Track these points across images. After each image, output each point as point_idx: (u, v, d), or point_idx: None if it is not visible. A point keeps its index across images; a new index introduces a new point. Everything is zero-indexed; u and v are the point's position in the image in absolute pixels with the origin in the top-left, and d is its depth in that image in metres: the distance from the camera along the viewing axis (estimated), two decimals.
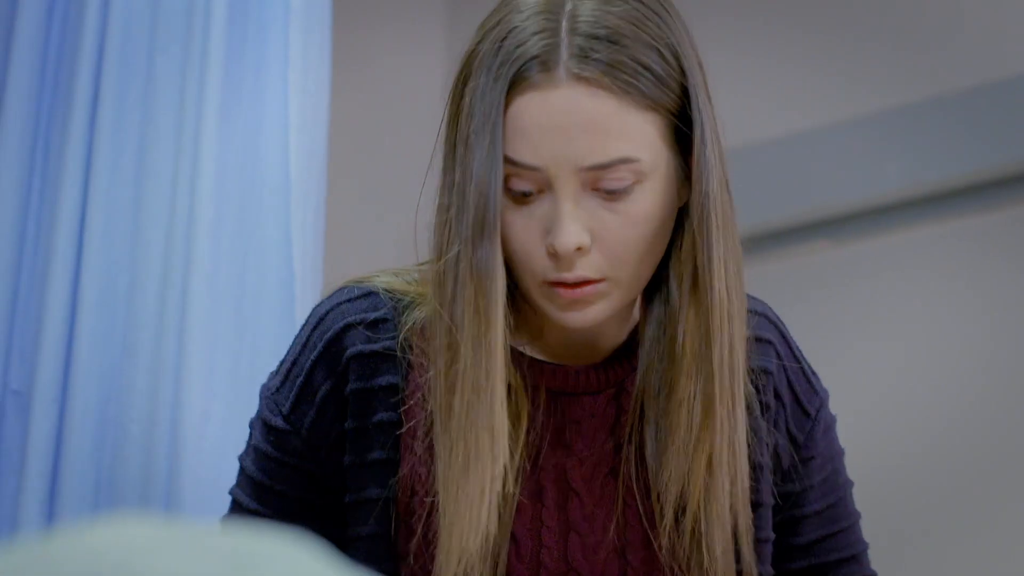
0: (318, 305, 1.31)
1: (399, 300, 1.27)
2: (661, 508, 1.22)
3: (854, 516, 1.39)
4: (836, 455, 1.37)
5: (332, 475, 1.27)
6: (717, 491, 1.21)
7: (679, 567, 1.23)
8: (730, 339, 1.19)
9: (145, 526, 0.66)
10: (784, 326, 1.36)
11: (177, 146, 2.12)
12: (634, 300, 1.26)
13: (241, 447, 1.35)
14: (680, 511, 1.21)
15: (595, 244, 1.16)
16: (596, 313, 1.19)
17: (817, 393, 1.36)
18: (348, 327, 1.27)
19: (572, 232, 1.14)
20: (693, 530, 1.22)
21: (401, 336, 1.26)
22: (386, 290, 1.28)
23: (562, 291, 1.17)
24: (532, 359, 1.26)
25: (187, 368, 2.03)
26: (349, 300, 1.28)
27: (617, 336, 1.28)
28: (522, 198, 1.17)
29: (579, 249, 1.15)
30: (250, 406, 1.37)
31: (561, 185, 1.15)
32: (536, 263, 1.18)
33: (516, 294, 1.23)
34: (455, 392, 1.18)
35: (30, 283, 2.14)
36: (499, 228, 1.16)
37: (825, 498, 1.35)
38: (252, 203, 2.14)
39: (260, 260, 2.09)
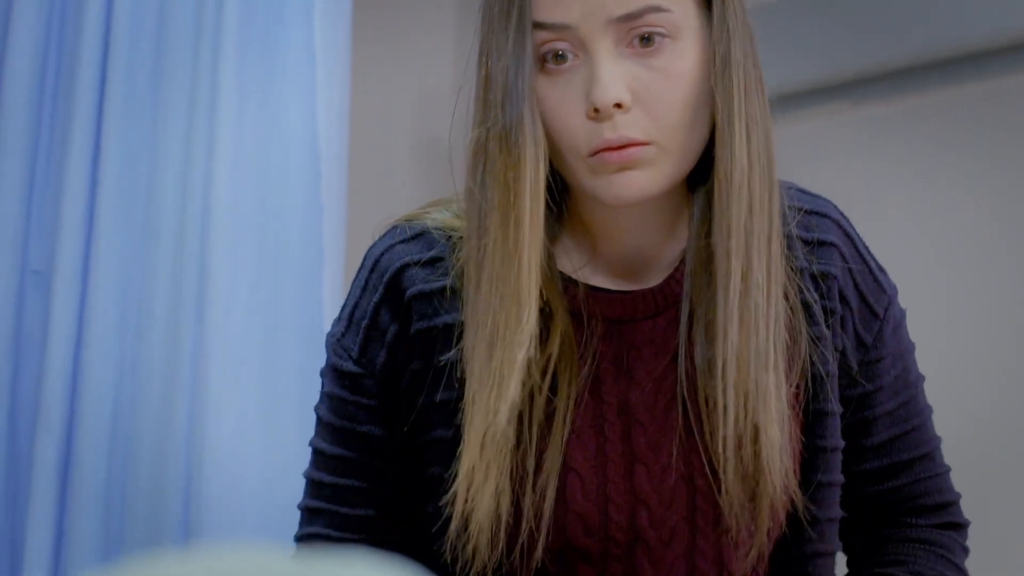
0: (372, 247, 1.29)
1: (451, 236, 1.25)
2: (715, 413, 1.19)
3: (926, 412, 1.36)
4: (906, 351, 1.34)
5: (409, 414, 1.26)
6: (753, 368, 1.17)
7: (725, 478, 1.19)
8: (749, 205, 1.16)
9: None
10: (849, 224, 1.32)
11: (190, 133, 2.09)
12: (684, 203, 1.23)
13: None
14: (739, 417, 1.17)
15: (636, 104, 1.14)
16: (643, 182, 1.14)
17: (885, 291, 1.32)
18: (405, 267, 1.25)
19: (611, 85, 1.12)
20: (751, 437, 1.18)
21: (456, 273, 1.24)
22: (438, 228, 1.26)
23: (608, 155, 1.14)
24: (588, 288, 1.23)
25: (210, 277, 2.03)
26: (403, 241, 1.27)
27: (669, 250, 1.25)
28: (557, 70, 1.15)
29: (620, 106, 1.13)
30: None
31: (594, 42, 1.13)
32: (579, 134, 1.15)
33: (567, 209, 1.21)
34: (484, 268, 1.17)
35: (46, 169, 2.12)
36: (528, 97, 1.14)
37: (896, 397, 1.33)
38: (276, 190, 2.11)
39: (283, 238, 2.09)
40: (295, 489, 1.41)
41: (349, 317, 1.29)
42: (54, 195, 2.11)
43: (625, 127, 1.13)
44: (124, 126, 2.10)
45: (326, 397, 1.30)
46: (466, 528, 1.18)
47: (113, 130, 2.09)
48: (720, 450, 1.19)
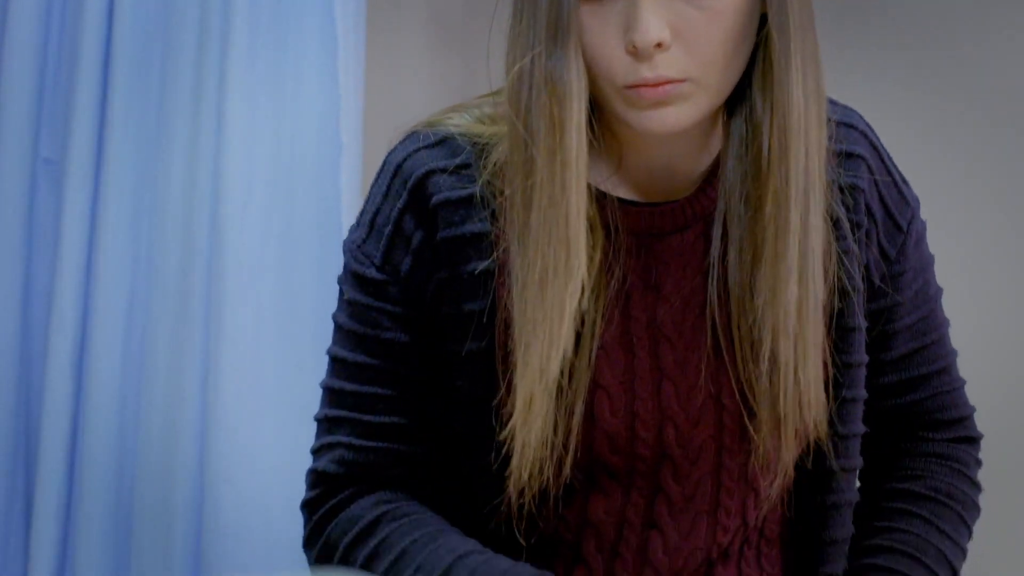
0: (391, 153, 1.25)
1: (476, 142, 1.22)
2: (752, 342, 1.18)
3: (944, 326, 1.35)
4: (927, 265, 1.33)
5: (434, 323, 1.23)
6: (807, 310, 1.16)
7: (759, 401, 1.19)
8: (806, 147, 1.14)
9: None
10: (875, 135, 1.30)
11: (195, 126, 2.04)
12: (716, 118, 1.20)
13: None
14: (773, 341, 1.17)
15: (676, 41, 1.11)
16: (678, 117, 1.12)
17: (908, 204, 1.30)
18: (430, 173, 1.22)
19: (651, 25, 1.09)
20: (786, 361, 1.17)
21: (484, 180, 1.21)
22: (462, 134, 1.23)
23: (644, 91, 1.11)
24: (615, 200, 1.20)
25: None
26: (426, 147, 1.23)
27: (698, 164, 1.22)
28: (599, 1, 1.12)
29: (659, 45, 1.09)
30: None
31: None
32: (616, 67, 1.11)
33: (595, 119, 1.17)
34: (531, 208, 1.14)
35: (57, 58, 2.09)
36: (574, 32, 1.11)
37: (916, 311, 1.32)
38: (292, 177, 2.08)
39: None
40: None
41: (370, 223, 1.25)
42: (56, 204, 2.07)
43: (664, 66, 1.10)
44: (130, 108, 2.05)
45: (346, 304, 1.26)
46: (507, 456, 1.17)
47: (119, 112, 2.04)
48: (754, 381, 1.18)
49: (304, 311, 2.03)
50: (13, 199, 2.04)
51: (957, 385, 1.37)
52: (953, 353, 1.36)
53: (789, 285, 1.16)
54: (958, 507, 1.33)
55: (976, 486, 1.36)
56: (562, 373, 1.16)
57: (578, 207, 1.13)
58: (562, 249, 1.13)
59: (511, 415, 1.16)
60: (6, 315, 2.03)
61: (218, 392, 2.01)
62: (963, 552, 1.32)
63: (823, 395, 1.21)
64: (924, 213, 1.35)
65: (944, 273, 1.38)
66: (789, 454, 1.21)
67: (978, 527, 1.36)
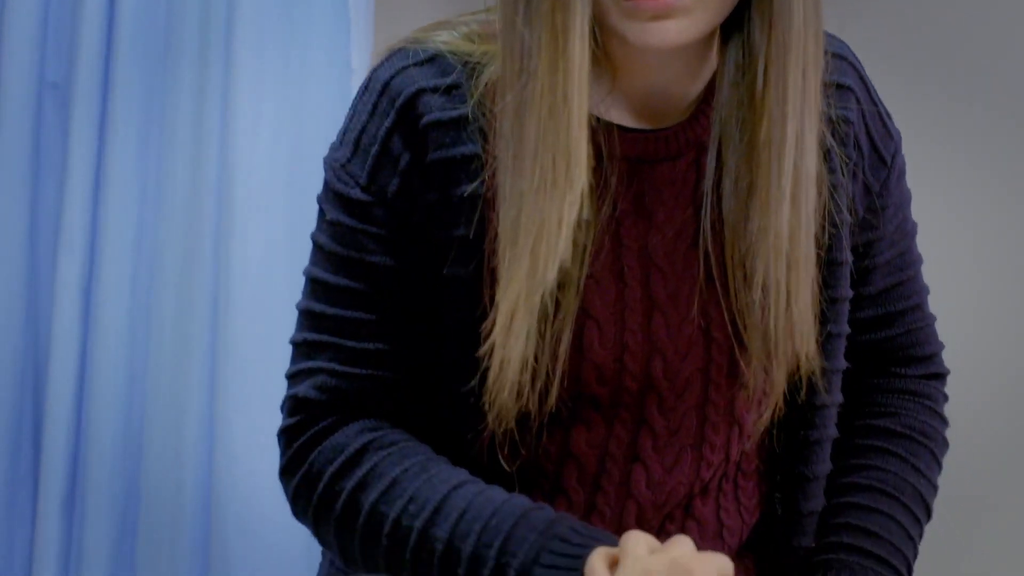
0: (377, 69, 1.20)
1: (467, 62, 1.18)
2: (745, 272, 1.16)
3: (918, 262, 1.35)
4: (906, 201, 1.32)
5: (421, 247, 1.19)
6: (801, 235, 1.15)
7: (751, 333, 1.18)
8: (803, 70, 1.13)
9: None
10: (861, 66, 1.29)
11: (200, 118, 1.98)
12: (711, 41, 1.17)
13: None
14: (766, 268, 1.15)
15: None
16: (679, 31, 1.09)
17: (892, 137, 1.29)
18: (420, 93, 1.17)
19: None
20: (778, 289, 1.15)
21: (475, 101, 1.16)
22: (452, 52, 1.18)
23: (643, 2, 1.08)
24: (608, 125, 1.17)
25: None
26: (416, 64, 1.18)
27: (691, 89, 1.19)
28: None
29: None
30: None
31: None
32: None
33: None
34: (528, 117, 1.10)
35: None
36: None
37: (895, 247, 1.31)
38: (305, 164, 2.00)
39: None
40: None
41: (355, 142, 1.20)
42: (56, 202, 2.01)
43: None
44: (137, 32, 1.98)
45: (328, 224, 1.21)
46: (484, 377, 1.14)
47: (126, 34, 1.97)
48: (746, 313, 1.16)
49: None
50: (18, 124, 1.98)
51: (929, 321, 1.37)
52: (926, 290, 1.36)
53: (783, 209, 1.14)
54: (931, 444, 1.33)
55: (945, 422, 1.37)
56: (549, 298, 1.13)
57: (580, 117, 1.10)
58: (562, 159, 1.09)
59: (489, 332, 1.13)
60: (14, 238, 1.97)
61: (226, 383, 1.95)
62: (935, 489, 1.33)
63: (814, 327, 1.19)
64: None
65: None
66: (779, 387, 1.20)
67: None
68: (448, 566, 1.12)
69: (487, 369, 1.14)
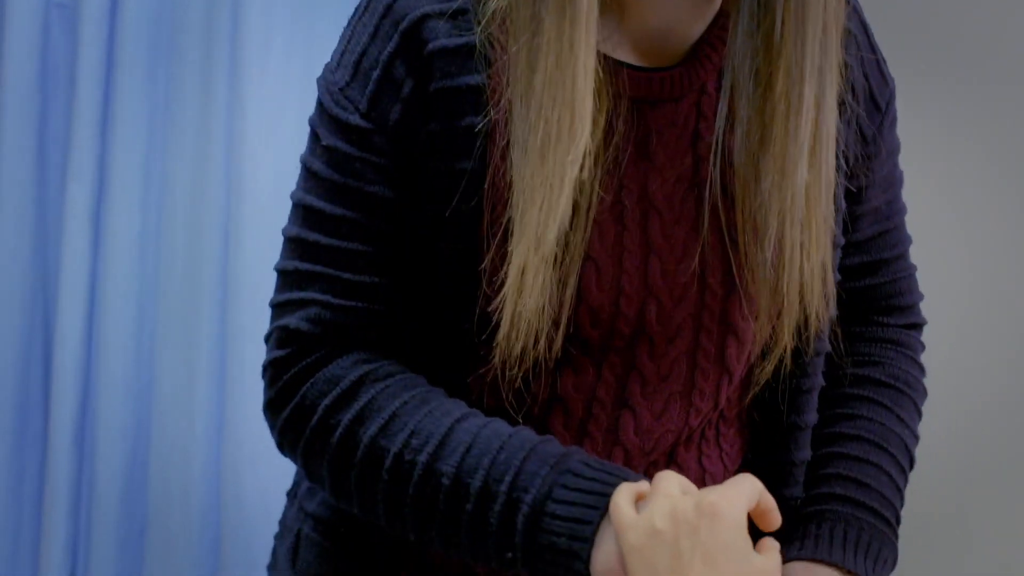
0: None
1: None
2: (755, 226, 1.14)
3: (903, 212, 1.35)
4: (896, 149, 1.31)
5: (421, 178, 1.15)
6: (819, 195, 1.13)
7: (760, 289, 1.16)
8: (824, 21, 1.10)
9: None
10: (861, 9, 1.27)
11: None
12: None
13: None
14: (779, 226, 1.13)
15: None
16: None
17: (888, 84, 1.27)
18: (425, 17, 1.13)
19: None
20: (792, 247, 1.14)
21: (482, 29, 1.12)
22: None
23: None
24: (612, 63, 1.14)
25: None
26: None
27: (695, 30, 1.17)
28: None
29: None
30: None
31: None
32: None
33: None
34: (536, 68, 1.07)
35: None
36: None
37: (884, 194, 1.30)
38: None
39: None
40: None
41: (355, 65, 1.16)
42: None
43: None
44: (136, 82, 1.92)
45: (323, 149, 1.17)
46: (491, 325, 1.11)
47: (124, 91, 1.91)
48: (756, 267, 1.15)
49: None
50: (27, 44, 1.91)
51: (911, 271, 1.37)
52: (909, 239, 1.36)
53: (799, 168, 1.12)
54: (913, 394, 1.34)
55: (923, 371, 1.37)
56: (558, 244, 1.10)
57: (586, 69, 1.07)
58: (566, 113, 1.07)
59: (502, 284, 1.10)
60: (23, 161, 1.90)
61: (235, 379, 1.91)
62: (917, 439, 1.33)
63: (827, 283, 1.18)
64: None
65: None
66: (784, 340, 1.18)
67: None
68: (454, 502, 1.09)
69: (493, 319, 1.12)
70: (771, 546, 1.01)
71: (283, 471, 1.85)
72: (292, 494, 1.36)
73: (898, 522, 1.28)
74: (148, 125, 1.93)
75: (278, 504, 1.84)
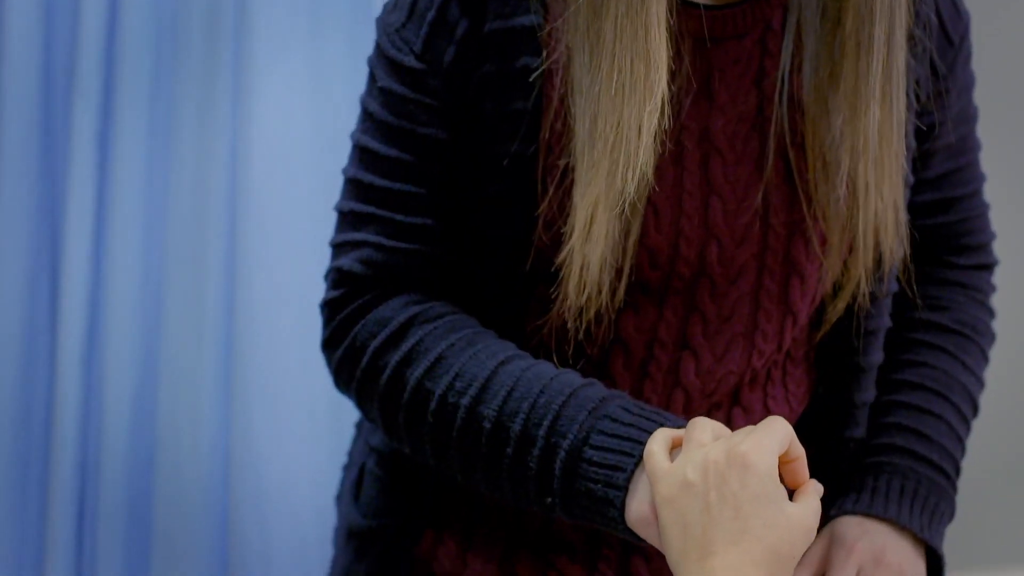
0: None
1: None
2: (825, 163, 1.12)
3: (977, 149, 1.31)
4: (971, 84, 1.28)
5: (475, 121, 1.14)
6: (891, 132, 1.11)
7: (831, 227, 1.14)
8: None
9: None
10: None
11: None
12: None
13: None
14: (852, 163, 1.11)
15: None
16: None
17: (962, 17, 1.24)
18: None
19: None
20: (865, 185, 1.12)
21: None
22: None
23: None
24: (677, 2, 1.11)
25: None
26: None
27: None
28: None
29: None
30: None
31: None
32: None
33: None
34: (604, 16, 1.05)
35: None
36: None
37: (957, 130, 1.27)
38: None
39: None
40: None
41: (410, 6, 1.15)
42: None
43: None
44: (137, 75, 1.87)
45: (379, 91, 1.17)
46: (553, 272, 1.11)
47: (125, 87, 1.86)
48: (827, 205, 1.13)
49: None
50: (21, 123, 1.88)
51: (984, 210, 1.34)
52: (982, 177, 1.33)
53: (871, 107, 1.10)
54: (980, 340, 1.32)
55: (992, 314, 1.35)
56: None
57: (659, 16, 1.05)
58: (640, 63, 1.05)
59: (560, 233, 1.10)
60: (23, 163, 1.87)
61: (241, 380, 1.87)
62: (982, 385, 1.31)
63: (899, 221, 1.16)
64: None
65: None
66: (856, 279, 1.17)
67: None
68: (496, 445, 1.09)
69: (554, 267, 1.11)
70: (810, 491, 0.99)
71: (292, 470, 1.86)
72: (359, 426, 1.38)
73: (958, 473, 1.26)
74: (149, 125, 1.90)
75: (287, 504, 1.85)
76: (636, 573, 1.24)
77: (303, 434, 1.87)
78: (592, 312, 1.12)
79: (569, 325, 1.13)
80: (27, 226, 1.89)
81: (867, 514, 1.21)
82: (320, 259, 1.31)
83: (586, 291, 1.10)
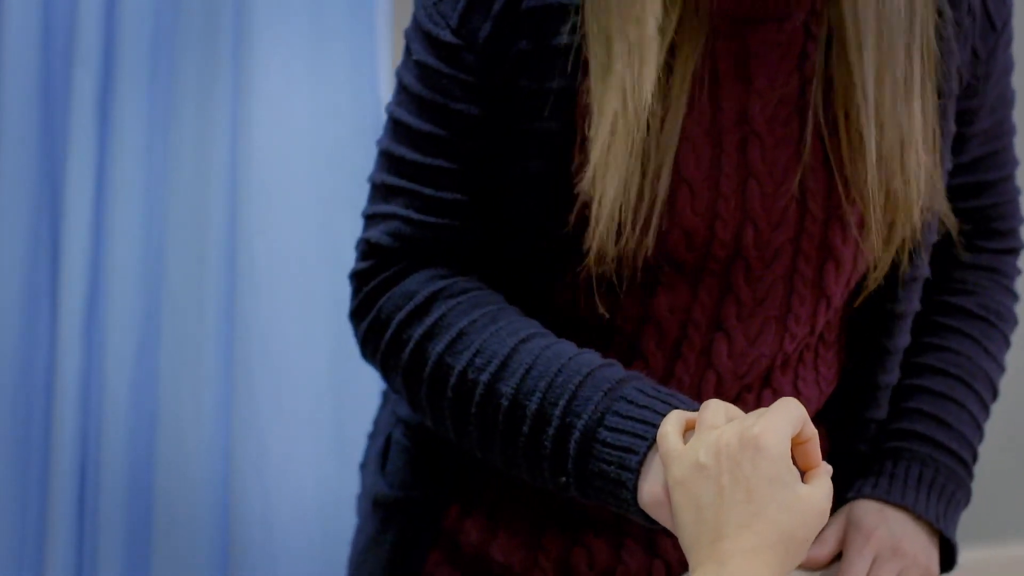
0: None
1: None
2: (861, 141, 1.11)
3: (1013, 132, 1.31)
4: (1010, 68, 1.27)
5: (510, 97, 1.14)
6: (912, 88, 1.11)
7: (864, 210, 1.13)
8: None
9: None
10: None
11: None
12: None
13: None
14: (879, 131, 1.11)
15: None
16: None
17: (1005, 2, 1.23)
18: None
19: None
20: (891, 165, 1.12)
21: None
22: None
23: None
24: None
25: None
26: None
27: None
28: None
29: None
30: None
31: None
32: None
33: None
34: None
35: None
36: None
37: (994, 115, 1.27)
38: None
39: None
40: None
41: None
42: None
43: None
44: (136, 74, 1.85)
45: (415, 65, 1.16)
46: (580, 222, 1.11)
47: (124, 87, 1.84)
48: (862, 184, 1.12)
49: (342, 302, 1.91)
50: (19, 129, 1.87)
51: (1015, 195, 1.34)
52: (1016, 162, 1.33)
53: (913, 89, 1.10)
54: (1004, 327, 1.32)
55: (1017, 298, 1.35)
56: (649, 155, 1.09)
57: None
58: (633, 28, 1.06)
59: (590, 177, 1.09)
60: (21, 163, 1.86)
61: (243, 380, 1.87)
62: (1003, 371, 1.31)
63: (935, 201, 1.16)
64: None
65: None
66: (887, 261, 1.16)
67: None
68: (513, 423, 1.09)
69: (583, 210, 1.10)
70: (822, 473, 0.98)
71: (294, 468, 1.86)
72: (385, 395, 1.38)
73: (975, 460, 1.27)
74: (148, 120, 1.87)
75: (288, 506, 1.85)
76: (662, 548, 1.25)
77: (305, 432, 1.87)
78: (610, 273, 1.12)
79: (592, 287, 1.13)
80: (25, 226, 1.87)
81: (885, 500, 1.22)
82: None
83: (604, 223, 1.09)
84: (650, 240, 1.12)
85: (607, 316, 1.16)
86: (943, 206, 1.19)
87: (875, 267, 1.17)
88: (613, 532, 1.24)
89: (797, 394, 1.23)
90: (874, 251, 1.15)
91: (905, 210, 1.13)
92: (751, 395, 1.22)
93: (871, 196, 1.12)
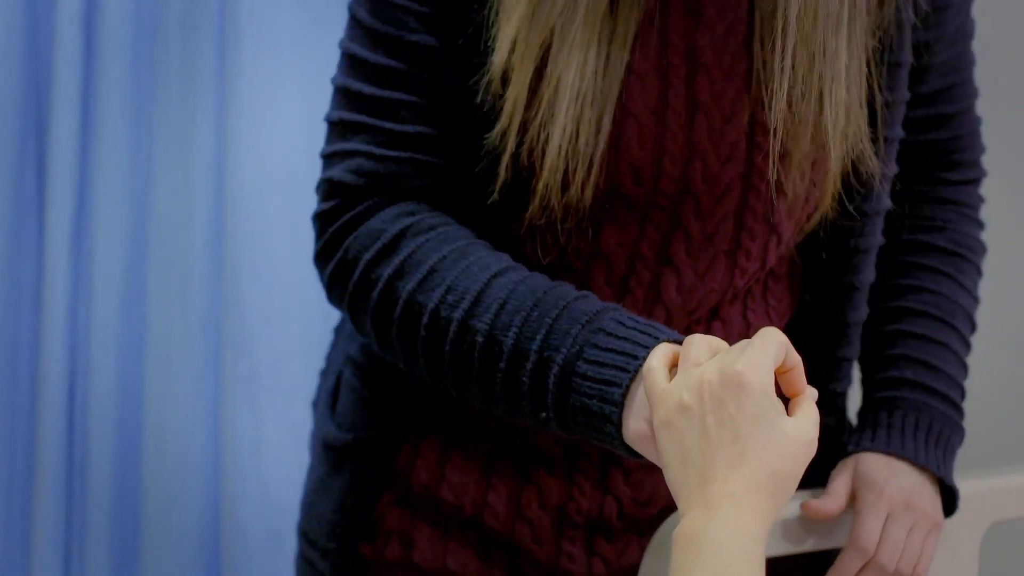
0: None
1: None
2: (783, 72, 1.10)
3: (972, 64, 1.30)
4: (969, 0, 1.26)
5: (465, 27, 1.13)
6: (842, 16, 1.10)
7: (787, 140, 1.12)
8: None
9: None
10: None
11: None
12: None
13: None
14: (802, 78, 1.10)
15: None
16: None
17: None
18: None
19: None
20: (821, 94, 1.11)
21: None
22: None
23: None
24: None
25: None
26: None
27: None
28: None
29: None
30: None
31: None
32: None
33: None
34: None
35: None
36: None
37: (953, 47, 1.25)
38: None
39: None
40: None
41: None
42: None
43: None
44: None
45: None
46: (528, 161, 1.10)
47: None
48: (778, 110, 1.10)
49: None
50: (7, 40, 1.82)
51: (976, 126, 1.33)
52: (976, 92, 1.31)
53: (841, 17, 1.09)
54: (975, 258, 1.32)
55: (983, 226, 1.34)
56: (591, 80, 1.08)
57: None
58: None
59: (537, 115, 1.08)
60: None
61: (231, 379, 1.84)
62: (978, 302, 1.31)
63: (866, 129, 1.14)
64: None
65: None
66: (827, 195, 1.15)
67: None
68: (489, 360, 1.07)
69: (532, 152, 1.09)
70: (806, 401, 0.96)
71: (282, 469, 1.83)
72: (337, 331, 1.36)
73: (963, 397, 1.27)
74: (133, 120, 1.84)
75: (279, 503, 1.83)
76: (614, 486, 1.24)
77: (293, 430, 1.85)
78: (559, 208, 1.11)
79: (543, 222, 1.12)
80: (8, 225, 1.84)
81: (888, 452, 1.21)
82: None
83: (540, 173, 1.09)
84: (595, 173, 1.10)
85: (551, 255, 1.15)
86: (867, 148, 1.16)
87: (819, 201, 1.16)
88: (565, 470, 1.23)
89: (747, 325, 1.22)
90: (796, 186, 1.14)
91: (832, 144, 1.12)
92: (700, 327, 1.20)
93: (784, 124, 1.11)
